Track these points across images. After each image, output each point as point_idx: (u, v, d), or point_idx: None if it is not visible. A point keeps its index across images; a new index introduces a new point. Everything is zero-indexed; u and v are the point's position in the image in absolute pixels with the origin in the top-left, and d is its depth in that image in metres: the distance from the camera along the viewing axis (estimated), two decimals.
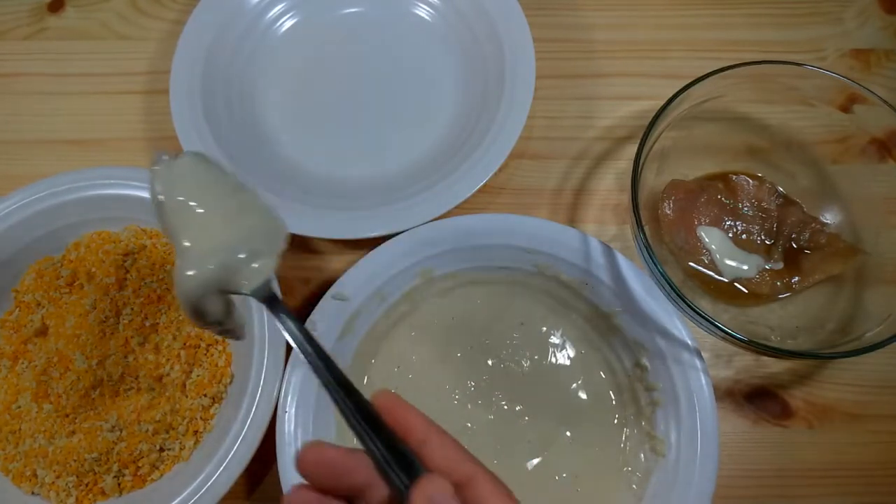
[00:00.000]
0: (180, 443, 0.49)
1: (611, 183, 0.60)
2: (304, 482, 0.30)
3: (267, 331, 0.49)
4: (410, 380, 0.52)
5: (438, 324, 0.53)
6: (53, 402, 0.49)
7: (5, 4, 0.68)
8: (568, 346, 0.52)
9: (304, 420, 0.48)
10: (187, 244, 0.33)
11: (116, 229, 0.55)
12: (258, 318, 0.50)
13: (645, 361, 0.50)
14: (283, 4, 0.64)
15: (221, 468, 0.46)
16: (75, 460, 0.48)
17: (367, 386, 0.52)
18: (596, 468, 0.49)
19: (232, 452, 0.46)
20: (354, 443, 0.30)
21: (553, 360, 0.52)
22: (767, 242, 0.53)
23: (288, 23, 0.65)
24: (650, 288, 0.50)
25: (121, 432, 0.49)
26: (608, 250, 0.51)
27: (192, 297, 0.33)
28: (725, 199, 0.54)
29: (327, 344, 0.49)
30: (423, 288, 0.53)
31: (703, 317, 0.45)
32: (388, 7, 0.65)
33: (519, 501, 0.31)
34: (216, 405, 0.50)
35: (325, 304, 0.50)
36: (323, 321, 0.50)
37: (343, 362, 0.50)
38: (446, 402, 0.51)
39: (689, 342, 0.49)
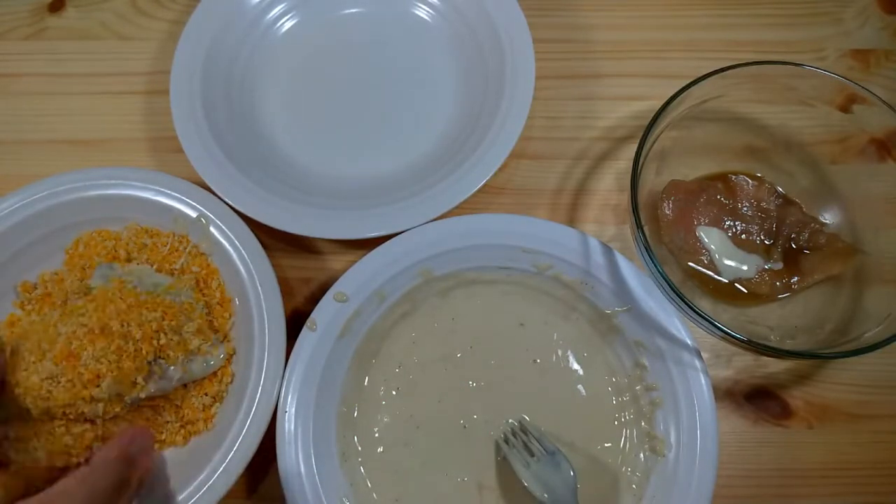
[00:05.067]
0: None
1: (610, 183, 0.60)
2: None
3: (267, 332, 0.49)
4: (411, 380, 0.52)
5: (439, 324, 0.53)
6: None
7: (5, 4, 0.68)
8: (568, 347, 0.53)
9: (304, 420, 0.48)
10: None
11: (116, 229, 0.55)
12: (258, 319, 0.50)
13: (645, 361, 0.50)
14: (283, 5, 0.64)
15: (221, 468, 0.46)
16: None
17: (367, 387, 0.52)
18: (596, 468, 0.49)
19: (232, 452, 0.46)
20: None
21: (553, 360, 0.52)
22: (767, 242, 0.54)
23: (288, 23, 0.65)
24: (650, 288, 0.50)
25: None
26: (608, 250, 0.51)
27: None
28: (725, 199, 0.54)
29: (327, 344, 0.49)
30: (423, 288, 0.53)
31: (702, 317, 0.45)
32: (388, 7, 0.65)
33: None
34: (216, 404, 0.50)
35: (325, 304, 0.50)
36: (323, 321, 0.50)
37: (343, 362, 0.50)
38: (447, 402, 0.51)
39: (689, 342, 0.49)
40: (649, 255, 0.47)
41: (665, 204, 0.54)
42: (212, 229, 0.52)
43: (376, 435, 0.51)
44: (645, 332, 0.50)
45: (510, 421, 0.50)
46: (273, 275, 0.51)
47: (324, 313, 0.50)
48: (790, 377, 0.54)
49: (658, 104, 0.50)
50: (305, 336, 0.49)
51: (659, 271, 0.46)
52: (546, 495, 0.45)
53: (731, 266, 0.52)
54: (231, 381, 0.51)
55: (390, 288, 0.51)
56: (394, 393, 0.51)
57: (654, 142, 0.51)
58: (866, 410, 0.53)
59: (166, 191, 0.53)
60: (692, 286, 0.53)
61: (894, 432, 0.52)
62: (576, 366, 0.52)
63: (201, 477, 0.46)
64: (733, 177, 0.55)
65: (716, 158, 0.56)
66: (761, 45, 0.64)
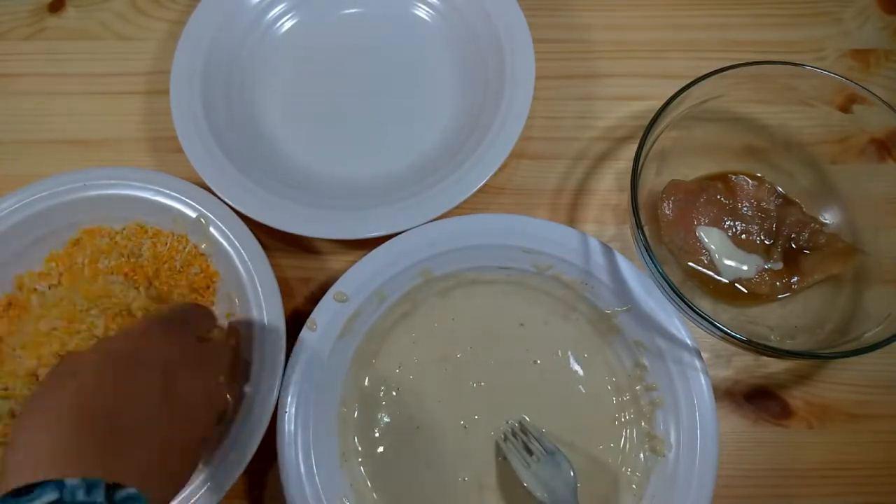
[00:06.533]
0: None
1: (610, 183, 0.60)
2: None
3: (267, 331, 0.49)
4: (411, 380, 0.52)
5: (439, 324, 0.53)
6: None
7: (5, 4, 0.68)
8: (568, 347, 0.52)
9: (304, 420, 0.48)
10: None
11: (116, 228, 0.55)
12: (258, 317, 0.50)
13: (645, 361, 0.50)
14: (283, 5, 0.64)
15: (221, 468, 0.46)
16: None
17: (367, 387, 0.52)
18: (596, 468, 0.49)
19: (231, 453, 0.46)
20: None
21: (553, 360, 0.52)
22: (767, 242, 0.54)
23: (288, 23, 0.65)
24: (650, 288, 0.50)
25: None
26: (608, 250, 0.51)
27: None
28: (725, 199, 0.54)
29: (327, 344, 0.49)
30: (423, 288, 0.53)
31: (702, 317, 0.45)
32: (388, 7, 0.65)
33: None
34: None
35: (325, 304, 0.50)
36: (323, 321, 0.50)
37: (343, 362, 0.50)
38: (447, 403, 0.51)
39: (689, 342, 0.49)
40: (649, 255, 0.47)
41: (665, 204, 0.54)
42: (211, 229, 0.52)
43: (376, 435, 0.51)
44: (645, 332, 0.50)
45: (510, 421, 0.50)
46: (273, 275, 0.51)
47: (324, 313, 0.50)
48: (790, 377, 0.54)
49: (658, 104, 0.50)
50: (305, 336, 0.49)
51: (659, 271, 0.46)
52: (546, 495, 0.45)
53: (731, 266, 0.52)
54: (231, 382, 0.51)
55: (390, 288, 0.51)
56: (394, 393, 0.51)
57: (654, 142, 0.51)
58: (866, 410, 0.53)
59: (166, 191, 0.53)
60: (692, 286, 0.53)
61: (894, 432, 0.52)
62: (576, 366, 0.52)
63: (201, 478, 0.46)
64: (733, 177, 0.55)
65: (716, 158, 0.56)
66: (761, 45, 0.64)
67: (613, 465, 0.49)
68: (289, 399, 0.48)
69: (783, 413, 0.53)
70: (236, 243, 0.52)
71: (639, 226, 0.47)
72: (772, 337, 0.50)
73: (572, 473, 0.46)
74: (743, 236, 0.54)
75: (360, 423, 0.51)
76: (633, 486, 0.49)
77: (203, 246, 0.53)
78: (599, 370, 0.52)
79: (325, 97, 0.62)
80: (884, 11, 0.65)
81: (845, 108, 0.52)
